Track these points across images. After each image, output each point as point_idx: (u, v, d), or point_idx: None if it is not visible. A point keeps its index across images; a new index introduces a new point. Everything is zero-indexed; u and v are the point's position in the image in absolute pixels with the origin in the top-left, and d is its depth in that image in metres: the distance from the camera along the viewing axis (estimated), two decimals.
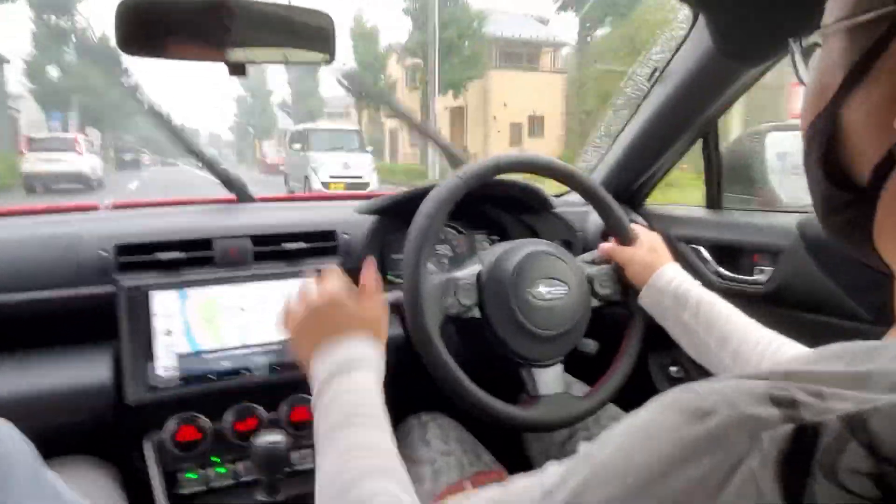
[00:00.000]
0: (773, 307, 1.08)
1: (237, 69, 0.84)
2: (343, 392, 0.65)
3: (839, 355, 0.31)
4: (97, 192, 13.60)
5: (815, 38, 0.41)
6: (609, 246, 1.03)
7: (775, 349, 0.78)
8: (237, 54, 0.85)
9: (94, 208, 1.29)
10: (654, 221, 1.33)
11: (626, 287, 1.02)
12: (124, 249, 1.02)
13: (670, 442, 0.29)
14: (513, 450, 1.19)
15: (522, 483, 0.40)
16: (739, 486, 0.26)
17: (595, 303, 1.02)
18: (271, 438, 0.95)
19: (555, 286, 0.95)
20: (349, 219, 1.21)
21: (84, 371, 0.98)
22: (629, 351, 1.02)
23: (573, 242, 1.31)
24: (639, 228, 1.03)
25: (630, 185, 1.37)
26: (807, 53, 0.43)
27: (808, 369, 0.30)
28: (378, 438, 0.62)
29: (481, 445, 1.12)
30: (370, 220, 1.21)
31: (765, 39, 0.95)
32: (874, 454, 0.25)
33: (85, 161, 14.15)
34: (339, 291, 0.75)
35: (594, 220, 1.36)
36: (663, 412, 0.31)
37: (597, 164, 1.38)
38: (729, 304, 0.88)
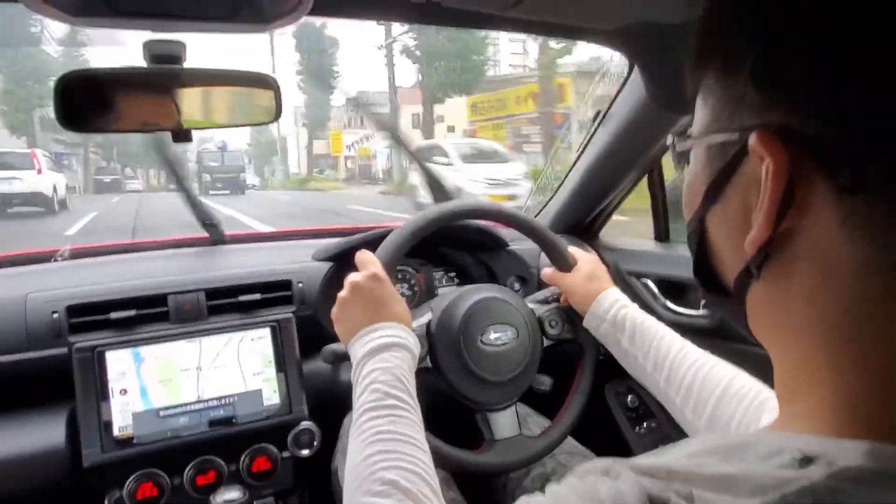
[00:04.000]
0: (717, 340, 1.11)
1: (182, 136, 0.85)
2: (378, 372, 0.73)
3: (715, 451, 0.34)
4: (59, 215, 12.15)
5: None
6: (549, 271, 1.05)
7: (707, 371, 0.80)
8: (184, 122, 0.86)
9: (49, 257, 1.28)
10: (605, 254, 1.37)
11: (575, 324, 1.04)
12: (76, 310, 1.02)
13: None
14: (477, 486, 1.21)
15: None
16: None
17: (546, 342, 1.04)
18: (230, 496, 0.96)
19: (504, 331, 0.98)
20: (305, 266, 1.22)
21: (39, 435, 0.97)
22: (581, 387, 1.05)
23: (528, 279, 1.34)
24: (578, 253, 1.04)
25: (581, 221, 1.41)
26: (682, 157, 0.44)
27: (686, 468, 0.33)
28: (403, 427, 0.68)
29: (451, 481, 1.13)
30: (325, 266, 1.22)
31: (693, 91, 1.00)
32: None
33: (45, 180, 12.30)
34: (378, 270, 0.84)
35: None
36: (573, 496, 0.35)
37: (547, 202, 1.42)
38: (665, 328, 0.91)
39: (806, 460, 0.30)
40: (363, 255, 0.86)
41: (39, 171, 12.19)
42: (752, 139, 0.34)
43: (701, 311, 1.17)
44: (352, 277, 0.83)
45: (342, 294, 0.83)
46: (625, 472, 0.34)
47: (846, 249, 0.33)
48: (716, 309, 0.45)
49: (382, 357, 0.75)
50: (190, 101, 0.87)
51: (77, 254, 1.31)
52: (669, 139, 0.45)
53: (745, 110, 0.36)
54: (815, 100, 0.33)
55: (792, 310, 0.36)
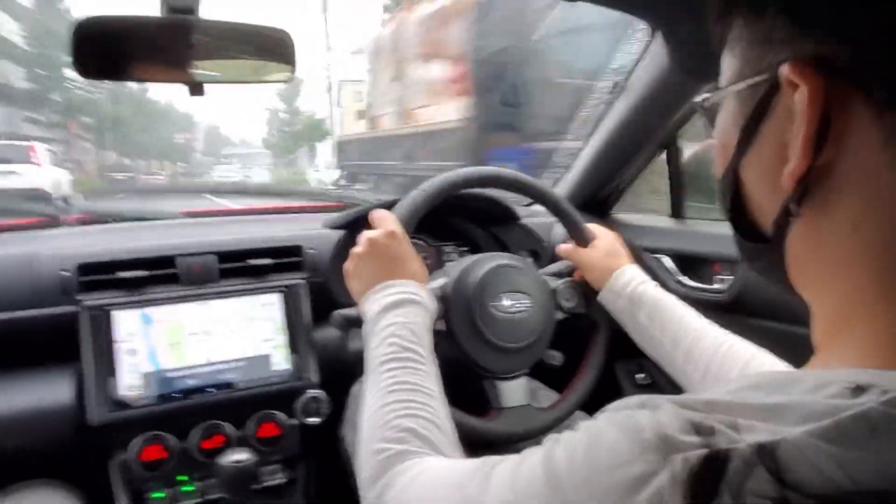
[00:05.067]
0: (733, 315, 1.10)
1: (196, 89, 0.84)
2: (395, 326, 0.71)
3: (759, 385, 0.33)
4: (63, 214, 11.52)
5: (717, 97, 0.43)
6: (567, 247, 1.04)
7: (727, 349, 0.79)
8: (198, 74, 0.85)
9: (56, 223, 1.27)
10: (619, 231, 1.35)
11: (589, 299, 1.03)
12: (86, 269, 1.01)
13: (609, 454, 0.33)
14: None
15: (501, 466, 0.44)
16: (648, 497, 0.29)
17: (559, 315, 1.03)
18: (238, 457, 0.94)
19: (518, 299, 0.96)
20: (315, 233, 1.21)
21: (46, 393, 0.96)
22: (593, 362, 1.04)
23: (540, 253, 1.33)
24: (596, 229, 1.03)
25: (595, 196, 1.39)
26: (712, 113, 0.44)
27: (729, 399, 0.32)
28: (421, 379, 0.66)
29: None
30: (336, 234, 1.21)
31: (720, 56, 0.98)
32: (779, 481, 0.27)
33: (45, 175, 11.04)
34: (395, 228, 0.81)
35: (559, 231, 1.37)
36: (609, 427, 0.34)
37: (561, 176, 1.40)
38: (684, 305, 0.90)
39: (858, 389, 0.29)
40: (380, 213, 0.84)
41: (40, 165, 11.12)
42: (785, 69, 0.34)
43: (716, 286, 1.15)
44: (368, 233, 0.81)
45: (357, 249, 0.81)
46: (664, 404, 0.33)
47: (889, 172, 0.32)
48: (753, 261, 0.44)
49: (398, 312, 0.73)
50: (203, 53, 0.85)
51: (83, 221, 1.31)
52: (699, 98, 0.45)
53: (775, 46, 0.36)
54: (846, 22, 0.33)
55: (836, 242, 0.36)
